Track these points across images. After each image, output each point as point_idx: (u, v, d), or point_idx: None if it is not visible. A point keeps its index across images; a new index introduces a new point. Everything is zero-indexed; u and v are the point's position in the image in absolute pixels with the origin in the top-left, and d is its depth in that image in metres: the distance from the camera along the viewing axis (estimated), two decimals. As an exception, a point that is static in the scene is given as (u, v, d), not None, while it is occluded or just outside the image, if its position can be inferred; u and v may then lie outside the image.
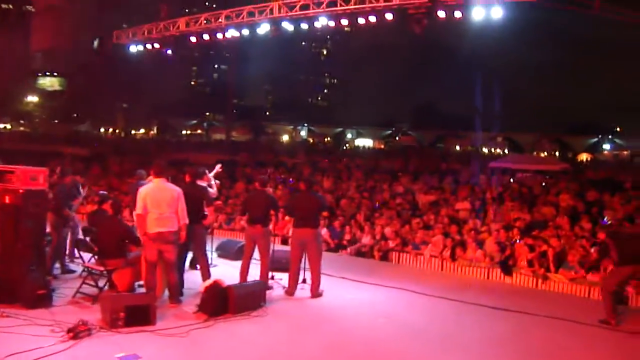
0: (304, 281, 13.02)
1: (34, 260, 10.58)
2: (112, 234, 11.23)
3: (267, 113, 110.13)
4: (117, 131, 79.14)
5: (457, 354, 9.61)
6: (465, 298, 13.29)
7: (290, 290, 12.65)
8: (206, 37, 23.55)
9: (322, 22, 20.83)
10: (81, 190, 14.88)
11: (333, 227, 19.86)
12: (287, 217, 18.21)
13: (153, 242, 10.75)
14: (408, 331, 10.63)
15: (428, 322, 11.36)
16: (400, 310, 12.14)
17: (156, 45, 25.07)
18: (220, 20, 22.79)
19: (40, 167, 11.33)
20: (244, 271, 12.81)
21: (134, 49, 26.18)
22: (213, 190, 14.05)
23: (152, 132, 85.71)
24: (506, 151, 67.44)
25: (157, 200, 10.77)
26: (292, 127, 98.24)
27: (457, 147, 76.96)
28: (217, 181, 15.22)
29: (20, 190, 10.41)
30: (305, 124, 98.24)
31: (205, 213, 12.52)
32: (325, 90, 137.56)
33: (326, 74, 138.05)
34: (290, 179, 28.79)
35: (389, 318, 11.41)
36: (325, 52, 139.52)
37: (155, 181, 11.19)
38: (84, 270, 11.93)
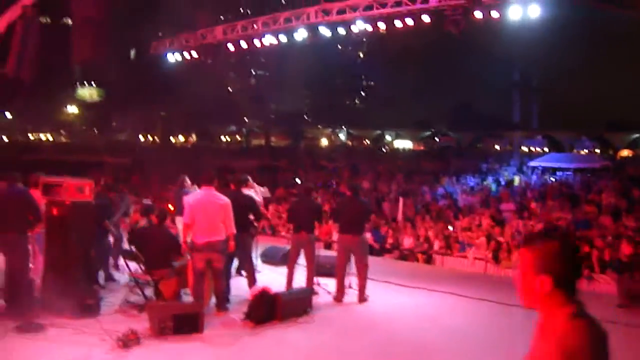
0: (349, 286, 13.02)
1: (82, 270, 10.69)
2: (158, 244, 11.31)
3: (306, 117, 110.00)
4: (156, 139, 79.48)
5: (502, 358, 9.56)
6: (510, 301, 13.19)
7: (338, 297, 12.62)
8: (244, 44, 23.65)
9: (359, 26, 20.90)
10: (129, 203, 15.06)
11: (376, 230, 19.85)
12: (330, 222, 18.30)
13: (201, 251, 10.80)
14: (453, 335, 10.61)
15: (473, 326, 11.34)
16: (445, 314, 12.11)
17: (194, 54, 25.23)
18: (256, 27, 22.88)
19: (83, 178, 11.46)
20: (290, 277, 12.87)
21: (171, 58, 26.37)
22: (259, 199, 14.14)
23: (191, 139, 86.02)
24: (546, 150, 66.81)
25: (205, 210, 10.80)
26: (330, 130, 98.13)
27: (497, 147, 76.50)
28: (264, 188, 15.34)
29: (68, 203, 10.53)
30: (344, 127, 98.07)
31: (255, 225, 12.66)
32: (363, 93, 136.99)
33: (363, 76, 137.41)
34: (333, 182, 28.91)
35: (433, 322, 11.38)
36: (361, 55, 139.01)
37: (203, 190, 11.25)
38: (130, 280, 12.02)
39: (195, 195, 11.43)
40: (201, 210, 10.81)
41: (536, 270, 3.10)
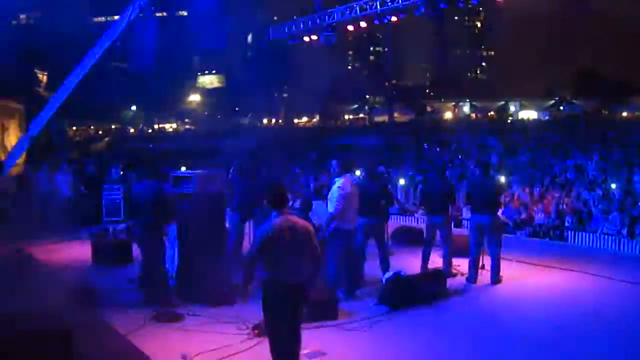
0: (483, 267, 12.83)
1: (216, 260, 10.80)
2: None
3: (427, 91, 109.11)
4: (279, 122, 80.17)
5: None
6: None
7: (472, 278, 12.48)
8: (363, 24, 23.47)
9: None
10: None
11: (508, 207, 19.49)
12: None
13: (348, 237, 10.88)
14: (592, 319, 10.12)
15: (615, 310, 10.74)
16: (583, 296, 11.64)
17: (313, 37, 25.19)
18: (375, 6, 22.67)
19: (210, 165, 11.65)
20: (425, 259, 12.79)
21: (290, 42, 26.43)
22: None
23: (314, 119, 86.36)
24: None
25: (354, 196, 10.98)
26: (453, 103, 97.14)
27: (624, 114, 74.24)
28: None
29: (198, 195, 10.70)
30: (467, 100, 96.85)
31: (388, 211, 12.71)
32: (484, 64, 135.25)
33: (482, 47, 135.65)
34: (459, 157, 28.69)
35: (571, 305, 10.98)
36: (479, 25, 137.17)
37: (347, 178, 11.18)
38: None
39: (345, 184, 11.23)
40: (353, 197, 10.89)
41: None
